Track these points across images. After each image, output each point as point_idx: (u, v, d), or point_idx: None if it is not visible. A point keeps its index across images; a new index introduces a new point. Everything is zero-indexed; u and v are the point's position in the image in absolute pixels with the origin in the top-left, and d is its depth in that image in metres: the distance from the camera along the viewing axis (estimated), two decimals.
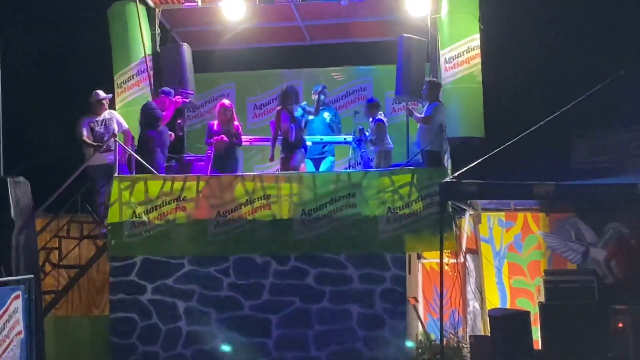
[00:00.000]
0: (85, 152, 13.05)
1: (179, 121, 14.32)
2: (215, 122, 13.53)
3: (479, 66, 14.12)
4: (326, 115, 14.32)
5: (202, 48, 16.24)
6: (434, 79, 13.81)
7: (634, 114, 12.96)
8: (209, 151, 13.52)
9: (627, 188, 10.95)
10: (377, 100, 14.29)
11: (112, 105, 13.98)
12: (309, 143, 13.80)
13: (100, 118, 13.14)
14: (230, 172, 13.06)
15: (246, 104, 16.53)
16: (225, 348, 11.94)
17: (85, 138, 12.95)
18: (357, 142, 13.85)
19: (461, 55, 14.17)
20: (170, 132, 13.48)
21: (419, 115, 13.14)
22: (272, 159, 13.53)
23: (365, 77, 16.56)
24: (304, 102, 14.08)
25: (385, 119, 13.92)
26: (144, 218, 12.30)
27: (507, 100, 17.57)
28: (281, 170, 13.25)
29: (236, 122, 13.58)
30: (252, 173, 13.30)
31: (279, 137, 13.40)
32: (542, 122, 12.22)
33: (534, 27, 18.90)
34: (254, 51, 17.10)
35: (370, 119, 13.77)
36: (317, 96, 14.05)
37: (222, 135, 13.23)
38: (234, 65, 16.94)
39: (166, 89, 13.61)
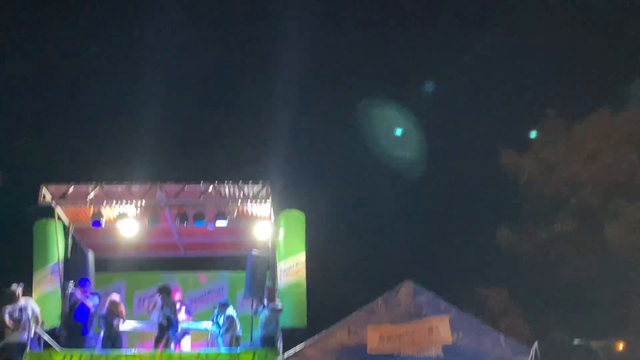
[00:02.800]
0: (5, 332, 13.99)
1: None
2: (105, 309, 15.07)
3: (304, 276, 16.08)
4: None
5: (103, 254, 17.20)
6: (272, 286, 15.56)
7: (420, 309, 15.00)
8: (102, 331, 14.94)
9: None
10: (227, 302, 15.56)
11: (30, 295, 15.11)
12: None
13: (18, 305, 14.17)
14: (117, 348, 14.42)
15: (133, 297, 17.39)
16: None
17: (6, 322, 13.94)
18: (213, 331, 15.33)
19: (292, 267, 16.08)
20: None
21: (259, 311, 14.97)
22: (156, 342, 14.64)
23: (223, 280, 17.73)
24: None
25: (234, 314, 15.30)
26: None
27: (326, 300, 19.20)
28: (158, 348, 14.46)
29: (122, 309, 15.10)
30: (132, 349, 14.59)
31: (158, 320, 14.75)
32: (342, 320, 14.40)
33: (348, 245, 20.83)
34: (142, 258, 18.05)
35: (222, 315, 15.21)
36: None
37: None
38: (126, 267, 17.80)
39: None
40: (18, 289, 14.39)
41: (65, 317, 15.27)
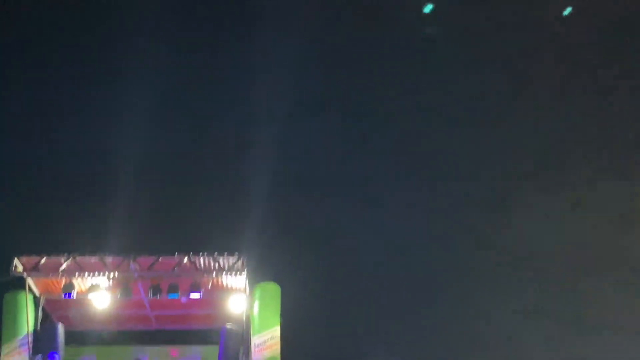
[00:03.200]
0: None
1: None
2: None
3: (279, 351, 15.89)
4: None
5: (73, 327, 17.11)
6: None
7: None
8: None
9: None
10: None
11: None
12: None
13: None
14: None
15: None
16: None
17: None
18: None
19: (266, 342, 15.89)
20: None
21: None
22: None
23: (196, 354, 17.42)
24: None
25: None
26: None
27: None
28: None
29: None
30: None
31: None
32: None
33: (325, 319, 20.71)
34: (113, 331, 17.79)
35: None
36: None
37: None
38: (97, 340, 17.61)
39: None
40: None
41: None
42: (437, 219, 22.24)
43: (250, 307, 16.43)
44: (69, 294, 15.92)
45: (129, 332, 18.08)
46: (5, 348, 15.78)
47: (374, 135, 23.57)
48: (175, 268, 15.83)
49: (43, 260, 15.62)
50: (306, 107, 22.83)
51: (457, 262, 21.91)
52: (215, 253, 15.79)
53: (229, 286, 16.54)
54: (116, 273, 15.77)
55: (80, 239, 16.71)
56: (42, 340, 15.70)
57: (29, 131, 21.39)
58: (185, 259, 15.78)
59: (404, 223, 21.78)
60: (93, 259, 15.74)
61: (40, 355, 15.24)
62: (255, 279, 16.55)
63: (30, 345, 15.58)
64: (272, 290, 16.49)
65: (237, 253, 15.81)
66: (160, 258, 15.76)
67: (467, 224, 22.69)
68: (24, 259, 15.60)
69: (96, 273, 15.80)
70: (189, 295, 15.98)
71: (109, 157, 20.66)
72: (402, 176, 22.94)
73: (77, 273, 15.78)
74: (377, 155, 23.16)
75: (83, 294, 16.23)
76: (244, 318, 16.34)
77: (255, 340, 16.03)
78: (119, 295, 15.98)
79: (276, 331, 16.09)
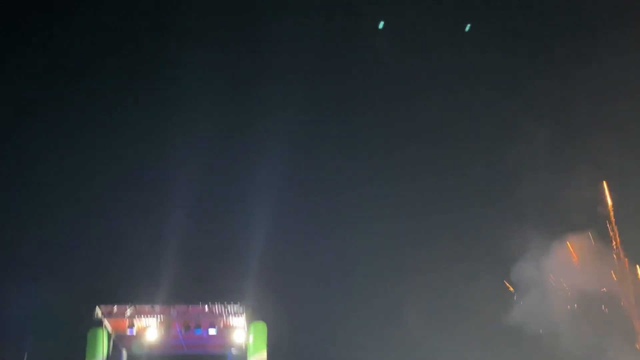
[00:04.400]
0: None
1: None
2: None
3: None
4: None
5: (132, 352, 24.39)
6: None
7: None
8: None
9: None
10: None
11: None
12: None
13: None
14: None
15: None
16: None
17: None
18: None
19: None
20: None
21: None
22: None
23: None
24: None
25: None
26: None
27: None
28: None
29: None
30: None
31: None
32: None
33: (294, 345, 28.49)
34: (159, 354, 24.48)
35: None
36: None
37: None
38: None
39: None
40: None
41: None
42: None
43: (247, 338, 23.75)
44: (131, 330, 23.31)
45: (169, 355, 24.78)
46: None
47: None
48: (200, 313, 23.30)
49: (115, 308, 23.03)
50: None
51: None
52: (225, 302, 23.15)
53: (234, 325, 23.79)
54: (161, 316, 23.10)
55: (138, 293, 24.79)
56: None
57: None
58: (206, 307, 23.26)
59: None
60: (147, 307, 23.11)
61: None
62: (250, 319, 23.70)
63: None
64: (261, 327, 23.80)
65: (239, 302, 23.12)
66: (190, 307, 23.23)
67: None
68: (103, 307, 23.00)
69: (149, 316, 23.13)
70: (208, 331, 23.23)
71: (157, 235, 28.99)
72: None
73: (136, 316, 23.11)
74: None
75: (140, 330, 23.53)
76: (243, 346, 23.65)
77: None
78: (163, 331, 23.27)
79: (264, 354, 23.40)
